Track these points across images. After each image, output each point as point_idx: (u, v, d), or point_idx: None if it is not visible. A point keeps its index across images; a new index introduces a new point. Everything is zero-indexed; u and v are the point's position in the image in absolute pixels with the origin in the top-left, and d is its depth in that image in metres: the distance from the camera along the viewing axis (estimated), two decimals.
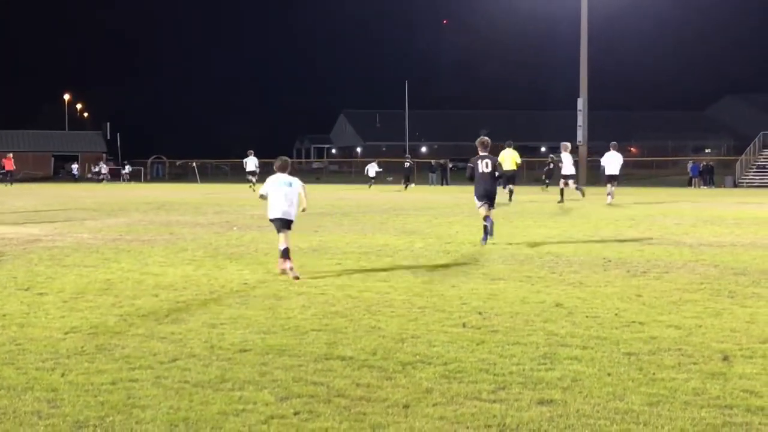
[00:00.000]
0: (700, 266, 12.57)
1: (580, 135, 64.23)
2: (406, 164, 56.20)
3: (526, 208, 27.64)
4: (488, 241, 15.74)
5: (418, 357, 6.98)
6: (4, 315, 8.84)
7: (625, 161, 33.68)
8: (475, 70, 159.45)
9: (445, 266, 12.61)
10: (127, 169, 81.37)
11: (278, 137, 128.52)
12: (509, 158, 31.94)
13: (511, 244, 15.68)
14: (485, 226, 15.92)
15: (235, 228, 19.59)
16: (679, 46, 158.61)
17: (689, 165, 63.75)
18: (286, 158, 12.72)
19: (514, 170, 32.40)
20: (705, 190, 52.13)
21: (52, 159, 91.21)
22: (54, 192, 45.66)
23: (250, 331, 8.02)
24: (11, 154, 61.93)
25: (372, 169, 55.50)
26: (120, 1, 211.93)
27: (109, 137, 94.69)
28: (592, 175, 66.11)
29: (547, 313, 8.87)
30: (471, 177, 16.24)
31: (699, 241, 16.19)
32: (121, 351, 7.22)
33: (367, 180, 55.07)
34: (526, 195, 34.83)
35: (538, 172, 62.78)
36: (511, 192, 31.56)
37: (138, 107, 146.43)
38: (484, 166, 16.04)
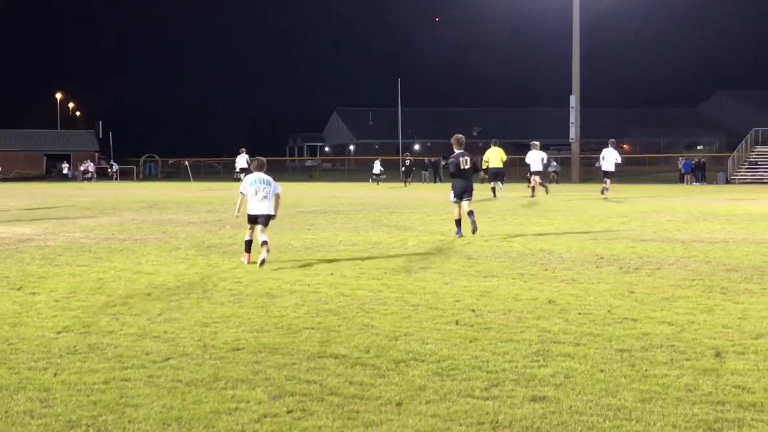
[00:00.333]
0: (693, 262, 12.59)
1: (573, 132, 64.38)
2: (407, 162, 57.16)
3: (519, 206, 27.66)
4: (464, 234, 16.39)
5: (411, 355, 6.98)
6: None
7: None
8: (467, 67, 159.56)
9: (438, 264, 12.62)
10: (114, 167, 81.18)
11: (271, 135, 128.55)
12: (496, 156, 32.86)
13: (503, 241, 15.69)
14: (457, 221, 16.69)
15: (228, 226, 19.56)
16: (671, 43, 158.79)
17: (680, 161, 63.96)
18: (263, 159, 13.62)
19: (500, 167, 33.19)
20: (697, 187, 52.26)
21: (45, 158, 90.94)
22: (46, 191, 45.55)
23: (243, 329, 8.02)
24: None
25: (377, 166, 58.25)
26: None
27: (101, 136, 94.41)
28: (584, 172, 66.28)
29: (540, 310, 8.88)
30: (453, 174, 17.11)
31: (691, 238, 16.22)
32: (113, 350, 7.21)
33: (373, 178, 57.57)
34: (519, 192, 34.84)
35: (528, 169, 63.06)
36: (494, 189, 32.37)
37: (130, 106, 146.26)
38: (464, 162, 16.82)
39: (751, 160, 59.87)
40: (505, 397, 5.81)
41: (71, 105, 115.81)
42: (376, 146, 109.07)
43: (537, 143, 34.39)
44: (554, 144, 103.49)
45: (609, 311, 8.80)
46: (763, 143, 61.79)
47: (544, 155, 33.89)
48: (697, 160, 63.09)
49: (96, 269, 12.22)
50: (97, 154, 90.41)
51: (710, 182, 57.53)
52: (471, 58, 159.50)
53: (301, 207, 27.17)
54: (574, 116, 63.90)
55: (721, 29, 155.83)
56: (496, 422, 5.31)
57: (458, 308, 9.04)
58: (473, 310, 8.89)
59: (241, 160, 52.14)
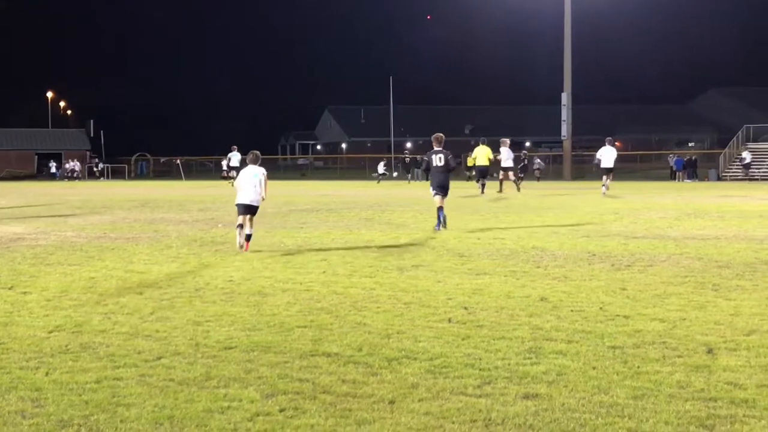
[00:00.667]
0: (685, 259, 12.62)
1: (565, 130, 64.45)
2: (406, 160, 57.82)
3: (511, 204, 27.69)
4: (441, 229, 17.17)
5: (403, 352, 6.98)
6: None
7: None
8: (459, 65, 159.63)
9: (431, 262, 12.61)
10: (100, 166, 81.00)
11: (263, 134, 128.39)
12: (483, 154, 34.37)
13: (496, 239, 15.70)
14: (439, 215, 17.44)
15: (220, 225, 19.53)
16: (662, 41, 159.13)
17: (672, 158, 64.08)
18: (257, 152, 14.77)
19: (487, 165, 34.47)
20: (689, 184, 52.36)
21: (36, 157, 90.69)
22: (36, 190, 45.42)
23: (235, 328, 8.00)
24: None
25: (381, 167, 60.12)
26: None
27: (92, 135, 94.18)
28: (576, 170, 66.38)
29: (532, 308, 8.88)
30: (427, 169, 18.33)
31: (683, 235, 16.25)
32: (105, 349, 7.19)
33: (377, 177, 59.35)
34: (509, 190, 34.87)
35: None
36: (483, 185, 33.58)
37: (122, 105, 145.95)
38: (437, 160, 17.75)
39: (743, 156, 59.99)
40: (497, 394, 5.81)
41: (62, 104, 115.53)
42: (368, 144, 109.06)
43: (507, 140, 35.32)
44: (546, 141, 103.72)
45: (601, 308, 8.81)
46: (755, 140, 61.94)
47: (510, 152, 34.97)
48: (689, 157, 63.21)
49: (88, 268, 12.19)
50: (88, 152, 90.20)
51: (702, 179, 57.66)
52: (463, 56, 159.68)
53: (294, 205, 27.14)
54: (565, 114, 63.98)
55: (713, 27, 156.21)
56: (489, 420, 5.31)
57: (451, 306, 9.03)
58: (466, 308, 8.90)
59: (234, 159, 52.06)
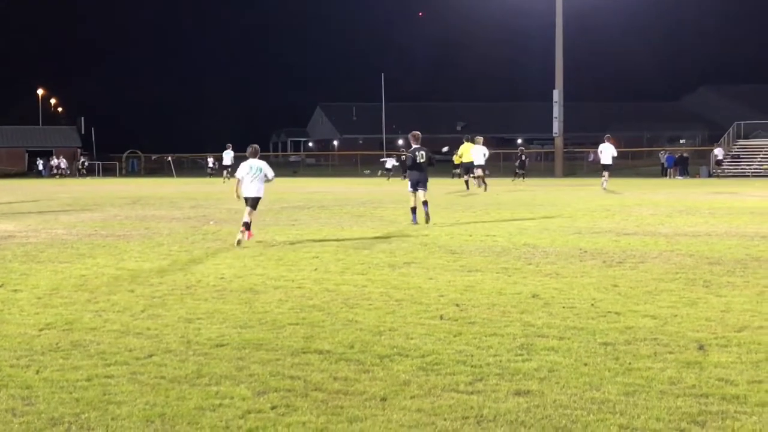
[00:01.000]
0: (676, 256, 12.64)
1: (556, 127, 64.52)
2: (403, 157, 58.26)
3: (503, 200, 27.71)
4: (419, 222, 17.96)
5: (395, 350, 6.98)
6: None
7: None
8: (451, 62, 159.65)
9: (422, 259, 12.61)
10: (85, 163, 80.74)
11: (254, 131, 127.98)
12: (469, 151, 35.17)
13: (487, 235, 15.71)
14: (413, 208, 18.41)
15: (211, 222, 19.51)
16: (653, 38, 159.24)
17: (663, 155, 64.22)
18: (257, 146, 15.48)
19: (473, 162, 35.13)
20: (680, 180, 52.49)
21: (27, 155, 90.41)
22: (27, 188, 45.28)
23: (227, 325, 7.99)
24: None
25: (390, 162, 60.95)
26: None
27: (83, 132, 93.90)
28: (567, 166, 66.45)
29: (524, 304, 8.89)
30: (410, 167, 18.99)
31: (674, 231, 16.29)
32: (96, 347, 7.16)
33: (385, 173, 60.44)
34: (501, 186, 34.94)
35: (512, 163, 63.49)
36: (467, 182, 34.96)
37: (113, 102, 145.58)
38: (420, 156, 18.55)
39: (734, 153, 60.18)
40: (489, 391, 5.81)
41: (53, 101, 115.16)
42: (360, 141, 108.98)
43: (480, 138, 36.09)
44: (538, 138, 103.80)
45: (593, 305, 8.82)
46: (746, 137, 62.11)
47: (485, 150, 35.47)
48: (680, 154, 63.36)
49: (78, 266, 12.15)
50: (79, 150, 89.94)
51: (693, 176, 57.81)
52: (455, 53, 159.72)
53: (286, 202, 27.12)
54: (557, 111, 64.04)
55: (703, 24, 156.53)
56: (481, 416, 5.31)
57: (442, 303, 9.03)
58: (457, 305, 8.90)
59: (227, 157, 52.20)
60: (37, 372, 6.39)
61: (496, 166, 70.50)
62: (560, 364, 6.46)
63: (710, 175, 57.22)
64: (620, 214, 20.66)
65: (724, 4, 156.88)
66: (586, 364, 6.46)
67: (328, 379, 6.15)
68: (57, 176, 74.41)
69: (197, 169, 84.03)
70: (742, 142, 61.32)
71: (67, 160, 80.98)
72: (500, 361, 6.57)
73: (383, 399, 5.67)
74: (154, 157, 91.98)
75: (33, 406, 5.57)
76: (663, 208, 23.06)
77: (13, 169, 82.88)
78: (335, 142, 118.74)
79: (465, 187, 34.84)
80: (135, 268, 11.92)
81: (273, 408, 5.50)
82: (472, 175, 35.08)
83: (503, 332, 7.58)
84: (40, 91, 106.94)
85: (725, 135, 62.52)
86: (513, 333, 7.54)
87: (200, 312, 8.62)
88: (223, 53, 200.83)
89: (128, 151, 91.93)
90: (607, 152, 35.59)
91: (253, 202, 14.80)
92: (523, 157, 50.66)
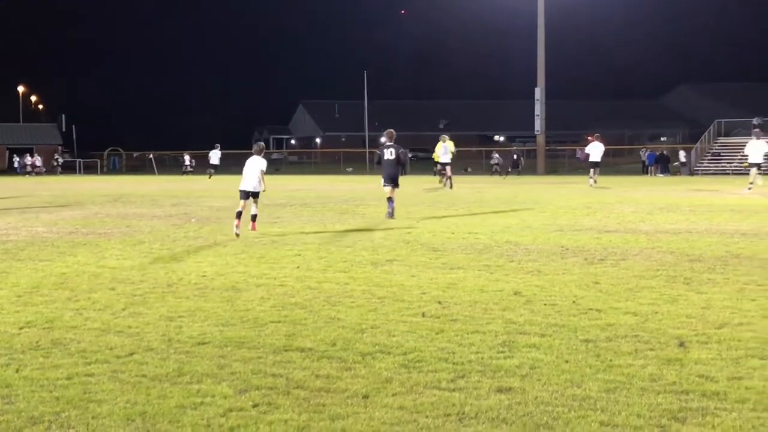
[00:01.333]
0: (656, 253, 12.70)
1: (538, 124, 64.71)
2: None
3: (485, 197, 27.77)
4: (393, 216, 18.81)
5: (377, 347, 6.98)
6: None
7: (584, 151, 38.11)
8: (434, 60, 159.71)
9: (405, 256, 12.62)
10: (60, 161, 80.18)
11: (237, 128, 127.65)
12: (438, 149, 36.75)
13: (469, 233, 15.73)
14: (389, 201, 19.20)
15: (193, 220, 19.45)
16: (633, 36, 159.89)
17: (644, 153, 64.55)
18: (262, 143, 17.01)
19: (449, 161, 36.55)
20: (660, 178, 52.77)
21: (7, 152, 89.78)
22: (7, 185, 44.97)
23: (209, 323, 7.96)
24: None
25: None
26: None
27: (64, 129, 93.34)
28: (549, 164, 66.67)
29: (506, 302, 8.91)
30: (379, 162, 19.95)
31: (655, 229, 16.37)
32: (76, 345, 7.12)
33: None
34: (483, 184, 35.02)
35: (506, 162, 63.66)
36: (449, 178, 35.94)
37: (94, 99, 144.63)
38: (388, 154, 19.53)
39: (714, 151, 60.54)
40: (471, 388, 5.82)
41: (33, 98, 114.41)
42: (343, 139, 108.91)
43: (446, 136, 37.27)
44: (520, 136, 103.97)
45: (574, 302, 8.85)
46: (726, 135, 62.46)
47: (452, 147, 36.66)
48: (660, 151, 63.67)
49: (59, 264, 12.08)
50: (60, 147, 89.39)
51: (673, 174, 58.13)
52: (437, 50, 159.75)
53: (268, 200, 27.01)
54: (539, 109, 64.24)
55: (683, 22, 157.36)
56: (463, 413, 5.31)
57: (425, 300, 9.04)
58: (440, 302, 8.91)
59: (214, 156, 52.23)
60: (17, 371, 6.35)
61: (477, 164, 70.65)
62: (542, 361, 6.48)
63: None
64: (602, 212, 20.74)
65: (704, 3, 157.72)
66: (567, 361, 6.48)
67: (310, 376, 6.14)
68: (32, 174, 73.77)
69: (179, 167, 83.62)
70: (722, 139, 61.66)
71: (45, 157, 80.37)
72: (482, 358, 6.58)
73: (365, 396, 5.66)
74: (135, 154, 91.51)
75: (13, 405, 5.54)
76: (644, 205, 23.17)
77: None
78: (318, 140, 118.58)
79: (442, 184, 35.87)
80: (116, 266, 11.86)
81: (255, 406, 5.49)
82: (445, 173, 35.89)
83: (485, 329, 7.59)
84: (20, 89, 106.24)
85: (705, 133, 62.85)
86: (495, 330, 7.56)
87: (182, 310, 8.59)
88: (206, 51, 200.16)
89: (109, 149, 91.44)
90: (596, 150, 36.96)
91: (247, 195, 15.83)
92: (515, 156, 51.48)
